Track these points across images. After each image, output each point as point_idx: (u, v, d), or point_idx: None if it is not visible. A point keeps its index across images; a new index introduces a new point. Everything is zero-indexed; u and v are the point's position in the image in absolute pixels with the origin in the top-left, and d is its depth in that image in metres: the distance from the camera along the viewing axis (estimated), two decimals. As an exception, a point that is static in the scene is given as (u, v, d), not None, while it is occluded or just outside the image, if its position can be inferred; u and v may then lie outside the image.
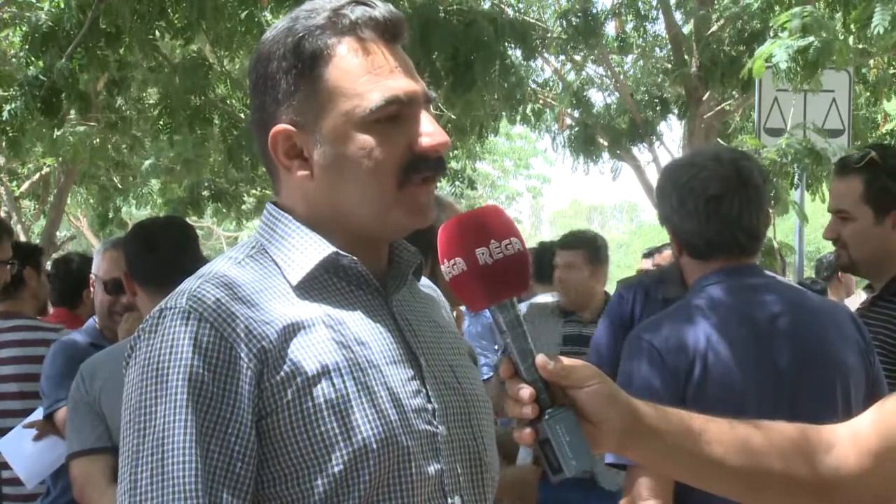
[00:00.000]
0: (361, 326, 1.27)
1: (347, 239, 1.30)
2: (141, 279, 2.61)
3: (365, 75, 1.26)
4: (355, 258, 1.29)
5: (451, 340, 1.41)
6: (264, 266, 1.29)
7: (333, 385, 1.20)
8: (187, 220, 5.75)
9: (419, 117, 1.28)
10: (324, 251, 1.28)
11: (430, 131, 1.27)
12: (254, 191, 12.19)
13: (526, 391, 1.14)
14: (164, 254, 2.58)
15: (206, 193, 11.20)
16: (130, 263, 2.65)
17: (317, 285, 1.28)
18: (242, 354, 1.19)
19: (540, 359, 1.15)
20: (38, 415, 3.24)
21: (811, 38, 4.05)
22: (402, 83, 1.27)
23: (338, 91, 1.26)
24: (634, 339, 2.09)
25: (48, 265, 4.97)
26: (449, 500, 1.27)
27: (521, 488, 2.00)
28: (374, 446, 1.20)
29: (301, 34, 1.27)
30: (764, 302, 2.07)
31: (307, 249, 1.29)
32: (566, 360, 1.17)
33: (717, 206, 2.06)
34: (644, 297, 2.69)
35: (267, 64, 1.29)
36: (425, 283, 1.48)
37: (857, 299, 5.10)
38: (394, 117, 1.26)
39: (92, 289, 3.31)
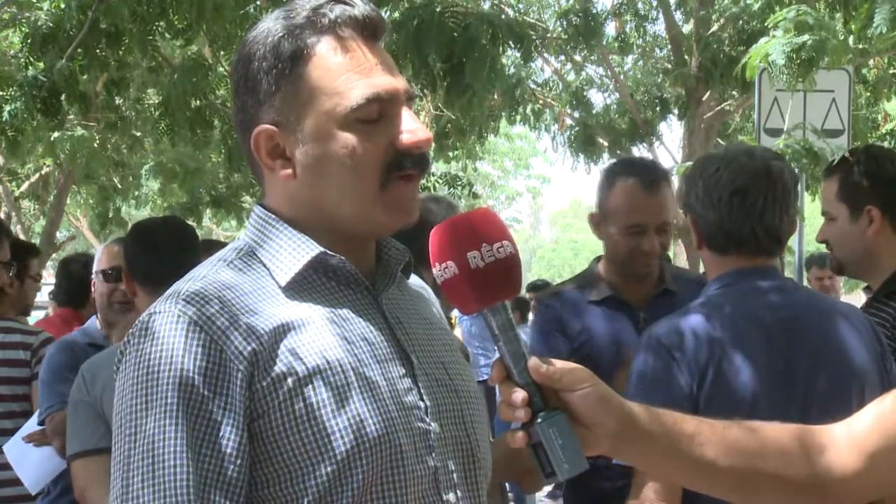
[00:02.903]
0: (351, 325, 1.27)
1: (333, 238, 1.30)
2: (141, 278, 2.61)
3: (345, 73, 1.26)
4: (343, 258, 1.29)
5: (442, 337, 1.41)
6: (253, 268, 1.30)
7: (324, 385, 1.20)
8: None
9: (401, 114, 1.28)
10: (311, 251, 1.28)
11: (412, 128, 1.27)
12: (253, 192, 12.19)
13: (518, 395, 1.14)
14: (163, 253, 2.58)
15: (205, 198, 11.22)
16: (130, 263, 2.65)
17: (306, 286, 1.29)
18: (233, 357, 1.19)
19: (532, 362, 1.15)
20: (33, 423, 3.25)
21: (806, 37, 4.06)
22: (382, 80, 1.27)
23: (318, 90, 1.26)
24: (648, 339, 2.07)
25: (48, 265, 5.02)
26: (443, 497, 1.27)
27: (512, 460, 1.93)
28: (367, 445, 1.20)
29: (280, 34, 1.27)
30: (778, 305, 2.06)
31: (295, 250, 1.29)
32: (559, 363, 1.17)
33: (741, 200, 2.05)
34: (571, 305, 2.67)
35: (248, 64, 1.29)
36: (415, 281, 1.48)
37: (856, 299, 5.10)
38: (375, 115, 1.26)
39: (93, 288, 3.33)
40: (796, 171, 4.35)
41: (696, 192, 2.11)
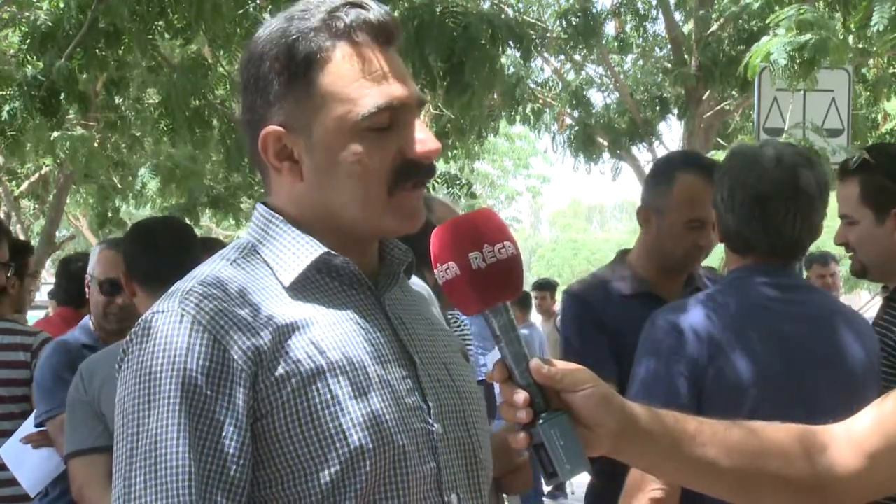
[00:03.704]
0: (354, 326, 1.27)
1: (337, 238, 1.30)
2: (140, 279, 2.61)
3: (358, 80, 1.26)
4: (347, 258, 1.29)
5: (443, 338, 1.42)
6: (256, 266, 1.29)
7: (328, 385, 1.21)
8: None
9: (412, 123, 1.28)
10: (315, 252, 1.28)
11: (422, 138, 1.27)
12: (251, 193, 12.18)
13: (520, 395, 1.14)
14: (163, 253, 2.58)
15: (203, 199, 11.22)
16: (130, 263, 2.65)
17: (309, 286, 1.29)
18: (236, 357, 1.19)
19: (534, 363, 1.16)
20: (30, 425, 3.23)
21: (808, 36, 4.06)
22: (395, 89, 1.27)
23: (331, 95, 1.26)
24: (648, 333, 2.08)
25: (48, 265, 5.01)
26: (445, 499, 1.28)
27: (499, 459, 1.92)
28: (370, 446, 1.20)
29: (295, 36, 1.26)
30: (786, 303, 2.07)
31: (298, 250, 1.29)
32: (560, 364, 1.17)
33: (762, 210, 2.05)
34: (604, 298, 2.63)
35: (259, 64, 1.28)
36: (415, 281, 1.49)
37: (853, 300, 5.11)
38: (386, 123, 1.26)
39: (88, 289, 3.30)
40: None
41: (721, 192, 2.12)
